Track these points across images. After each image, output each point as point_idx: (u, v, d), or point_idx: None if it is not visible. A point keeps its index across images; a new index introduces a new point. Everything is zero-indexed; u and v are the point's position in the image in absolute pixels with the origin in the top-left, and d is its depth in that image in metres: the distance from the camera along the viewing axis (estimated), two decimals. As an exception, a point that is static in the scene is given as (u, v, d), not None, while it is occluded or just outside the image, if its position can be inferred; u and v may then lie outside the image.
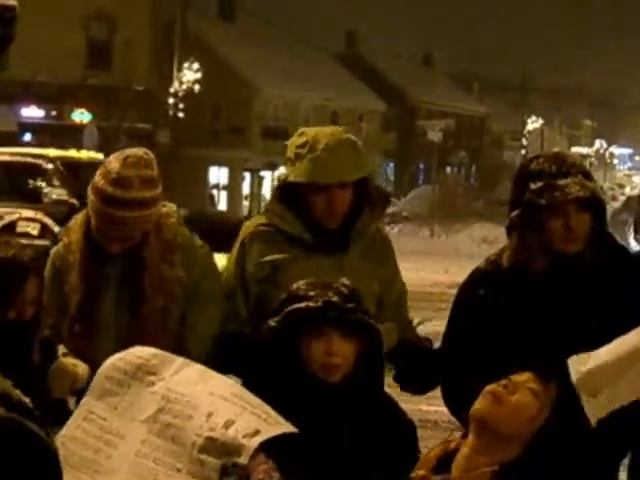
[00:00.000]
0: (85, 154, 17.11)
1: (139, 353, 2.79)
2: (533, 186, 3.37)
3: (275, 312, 3.05)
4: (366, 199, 3.91)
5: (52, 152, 15.25)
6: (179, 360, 2.76)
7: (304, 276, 3.31)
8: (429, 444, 3.08)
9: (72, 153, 16.24)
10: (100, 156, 16.97)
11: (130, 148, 3.75)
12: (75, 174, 14.42)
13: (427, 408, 4.11)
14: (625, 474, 3.63)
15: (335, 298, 2.95)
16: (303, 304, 2.96)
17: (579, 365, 3.04)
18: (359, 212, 3.87)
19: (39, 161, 14.36)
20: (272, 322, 3.02)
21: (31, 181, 14.09)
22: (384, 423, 2.96)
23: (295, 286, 3.07)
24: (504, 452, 2.77)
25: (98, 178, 3.57)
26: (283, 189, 3.90)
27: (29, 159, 14.22)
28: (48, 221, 11.86)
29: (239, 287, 3.84)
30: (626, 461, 3.64)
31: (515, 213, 3.46)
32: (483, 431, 2.79)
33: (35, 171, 14.39)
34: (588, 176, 3.43)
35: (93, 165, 16.30)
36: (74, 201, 13.42)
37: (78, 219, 3.76)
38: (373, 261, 3.90)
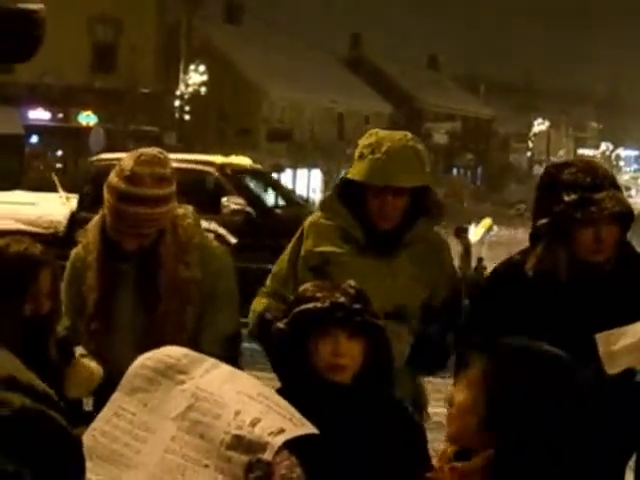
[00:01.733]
0: (247, 161, 16.34)
1: (170, 352, 2.83)
2: (567, 198, 3.36)
3: (284, 314, 3.09)
4: (424, 209, 3.93)
5: (218, 159, 14.27)
6: (209, 360, 2.80)
7: (351, 273, 3.35)
8: (434, 446, 3.07)
9: (236, 160, 15.38)
10: (259, 165, 16.37)
11: (140, 149, 3.78)
12: (241, 182, 13.84)
13: (433, 410, 4.09)
14: (632, 476, 3.64)
15: (342, 299, 2.98)
16: (311, 305, 2.99)
17: (608, 344, 3.25)
18: (415, 220, 3.91)
19: (208, 169, 13.62)
20: (281, 324, 3.05)
21: (207, 190, 13.37)
22: (393, 424, 2.98)
23: (303, 288, 3.10)
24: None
25: (112, 176, 3.62)
26: (343, 186, 3.96)
27: (199, 167, 13.41)
28: (222, 231, 11.34)
29: (291, 274, 3.94)
30: (631, 463, 3.65)
31: (543, 222, 3.44)
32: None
33: (206, 180, 13.61)
34: (619, 188, 3.44)
35: (257, 173, 15.30)
36: (250, 210, 12.94)
37: (95, 220, 3.80)
38: (422, 267, 3.92)
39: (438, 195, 4.18)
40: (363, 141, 3.95)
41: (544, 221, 3.43)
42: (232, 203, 12.86)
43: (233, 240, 11.61)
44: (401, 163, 3.82)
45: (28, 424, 1.22)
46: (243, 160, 15.62)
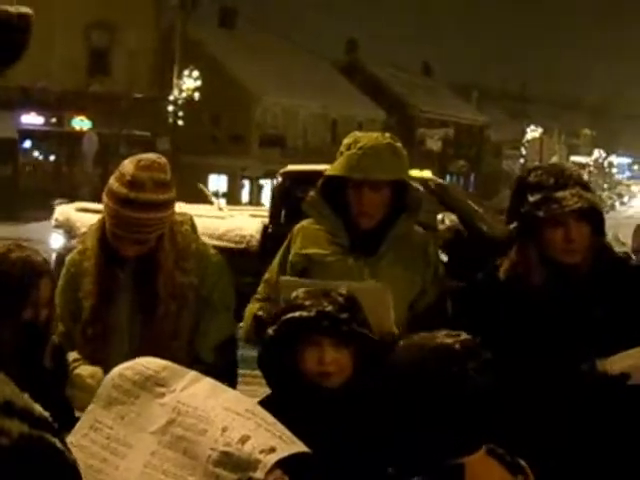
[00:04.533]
0: (429, 174, 15.47)
1: (148, 364, 2.79)
2: (531, 198, 3.38)
3: (274, 320, 3.09)
4: (404, 205, 3.97)
5: (415, 174, 13.29)
6: (190, 374, 2.76)
7: (333, 275, 3.37)
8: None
9: (419, 174, 14.33)
10: (429, 174, 15.35)
11: (130, 156, 3.78)
12: (444, 197, 13.07)
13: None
14: None
15: (329, 308, 2.98)
16: (297, 313, 3.00)
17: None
18: (396, 216, 3.94)
19: (414, 184, 13.00)
20: (270, 330, 3.05)
21: (427, 207, 12.66)
22: (381, 429, 2.98)
23: (294, 295, 3.11)
24: None
25: (113, 181, 3.61)
26: (325, 185, 4.00)
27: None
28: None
29: (278, 276, 3.94)
30: None
31: (513, 225, 3.47)
32: None
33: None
34: (586, 187, 3.44)
35: (441, 187, 13.83)
36: (461, 227, 12.22)
37: (93, 226, 3.80)
38: (408, 267, 3.95)
39: (419, 192, 4.22)
40: (344, 143, 4.01)
41: (514, 225, 3.47)
42: (447, 219, 12.25)
43: (445, 258, 11.06)
44: (375, 157, 3.87)
45: (27, 453, 1.21)
46: (427, 174, 14.69)
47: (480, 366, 2.49)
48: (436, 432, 2.45)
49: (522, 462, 2.63)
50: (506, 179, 62.90)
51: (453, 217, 12.35)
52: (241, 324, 3.96)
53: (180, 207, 13.19)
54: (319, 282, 3.48)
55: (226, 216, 13.70)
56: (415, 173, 13.36)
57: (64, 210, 13.86)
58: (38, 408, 1.29)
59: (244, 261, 10.52)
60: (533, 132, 76.83)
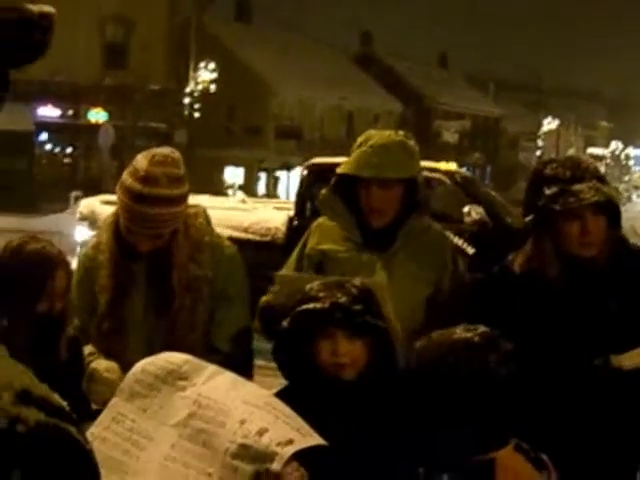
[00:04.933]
0: (454, 166, 14.97)
1: (171, 358, 2.81)
2: (548, 191, 3.37)
3: (290, 312, 3.10)
4: (415, 202, 3.96)
5: (442, 166, 13.27)
6: (211, 367, 2.78)
7: (346, 270, 3.36)
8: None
9: (445, 166, 13.99)
10: (455, 167, 14.96)
11: (146, 148, 3.78)
12: (470, 189, 12.92)
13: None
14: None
15: (343, 299, 2.99)
16: (311, 305, 3.00)
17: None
18: (409, 214, 3.94)
19: (441, 177, 12.58)
20: (285, 322, 3.06)
21: (441, 199, 12.49)
22: (397, 421, 2.98)
23: (309, 287, 3.11)
24: None
25: (126, 176, 3.61)
26: (338, 182, 4.01)
27: (430, 174, 11.93)
28: (458, 241, 10.44)
29: (295, 270, 3.98)
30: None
31: (529, 218, 3.46)
32: None
33: (439, 188, 12.60)
34: (602, 180, 3.42)
35: (467, 179, 13.66)
36: (487, 219, 12.19)
37: (107, 219, 3.81)
38: (423, 264, 3.95)
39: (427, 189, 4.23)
40: (357, 141, 4.02)
41: (530, 217, 3.45)
42: (474, 212, 12.21)
43: (471, 251, 11.06)
44: (386, 155, 3.86)
45: (44, 440, 1.22)
46: (452, 166, 14.45)
47: (501, 357, 2.48)
48: (462, 427, 2.44)
49: (545, 457, 2.63)
50: (522, 171, 62.78)
51: (479, 209, 12.28)
52: None
53: (204, 200, 13.04)
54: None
55: (251, 209, 13.62)
56: (441, 165, 13.33)
57: (89, 203, 13.82)
58: (56, 397, 1.29)
59: (270, 254, 10.53)
60: (550, 124, 76.68)
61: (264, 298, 3.79)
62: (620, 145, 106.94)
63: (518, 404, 2.51)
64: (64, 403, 1.29)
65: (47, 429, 1.22)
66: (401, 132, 4.06)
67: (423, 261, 3.95)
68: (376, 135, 3.97)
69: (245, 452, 2.51)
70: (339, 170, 3.97)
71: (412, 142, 4.00)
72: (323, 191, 4.09)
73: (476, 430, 2.43)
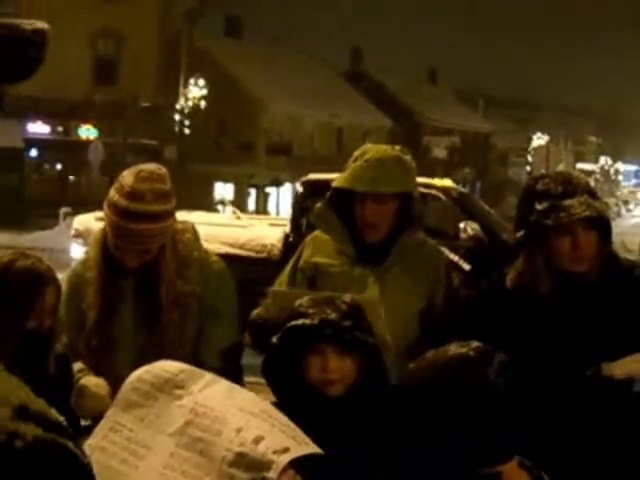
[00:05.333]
0: (450, 183, 14.71)
1: (167, 367, 2.81)
2: (539, 207, 3.37)
3: (280, 328, 3.09)
4: (409, 218, 3.95)
5: (437, 182, 13.29)
6: (208, 375, 2.78)
7: (339, 284, 3.36)
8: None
9: (440, 182, 14.02)
10: (450, 183, 14.69)
11: (137, 164, 3.78)
12: (466, 206, 13.05)
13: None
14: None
15: (333, 315, 2.98)
16: (300, 321, 3.00)
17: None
18: (404, 229, 3.93)
19: (436, 193, 12.52)
20: (274, 338, 3.06)
21: (437, 215, 12.41)
22: (387, 437, 2.97)
23: (299, 302, 3.10)
24: None
25: (112, 193, 3.61)
26: (333, 196, 4.00)
27: (426, 190, 11.72)
28: (455, 258, 10.53)
29: (288, 284, 3.97)
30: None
31: (520, 233, 3.47)
32: None
33: (436, 204, 12.53)
34: (594, 195, 3.43)
35: (463, 195, 13.72)
36: (483, 236, 12.25)
37: (95, 236, 3.81)
38: (416, 278, 3.94)
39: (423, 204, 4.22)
40: (353, 155, 4.01)
41: (521, 233, 3.46)
42: (470, 228, 12.29)
43: (467, 267, 11.04)
44: (381, 170, 3.85)
45: (42, 455, 1.22)
46: (447, 182, 14.43)
47: (498, 368, 2.48)
48: (463, 441, 2.43)
49: (546, 477, 2.63)
50: (512, 187, 62.92)
51: (475, 225, 12.34)
52: None
53: (200, 217, 12.81)
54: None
55: (247, 225, 13.66)
56: (436, 182, 13.37)
57: (84, 220, 13.81)
58: (53, 412, 1.30)
59: (265, 270, 10.62)
60: (539, 140, 76.91)
61: (255, 312, 3.78)
62: (609, 160, 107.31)
63: (518, 415, 2.51)
64: (61, 418, 1.29)
65: (45, 444, 1.22)
66: (397, 147, 4.06)
67: (417, 275, 3.94)
68: (372, 149, 3.97)
69: (242, 460, 2.51)
70: (334, 184, 3.97)
71: (408, 157, 4.00)
72: (318, 204, 4.09)
73: (478, 442, 2.43)
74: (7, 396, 1.24)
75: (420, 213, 4.02)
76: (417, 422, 2.49)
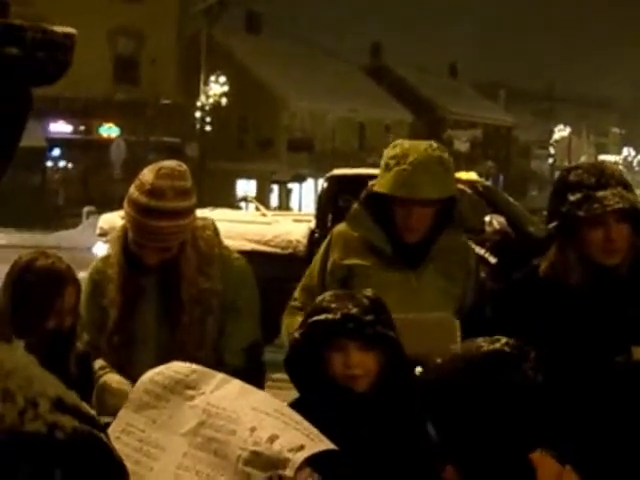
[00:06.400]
0: (475, 176, 14.58)
1: (178, 368, 2.81)
2: (572, 198, 3.35)
3: (302, 323, 3.09)
4: (450, 219, 3.92)
5: (462, 175, 13.02)
6: (219, 376, 2.78)
7: (378, 286, 3.33)
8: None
9: (466, 176, 13.81)
10: (476, 176, 14.66)
11: (159, 162, 3.78)
12: (491, 199, 13.02)
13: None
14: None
15: (354, 310, 2.97)
16: (323, 316, 2.99)
17: None
18: (441, 231, 3.90)
19: (462, 187, 12.02)
20: (296, 333, 3.05)
21: (464, 209, 11.78)
22: (408, 435, 2.95)
23: (320, 298, 3.10)
24: None
25: (133, 190, 3.61)
26: (369, 198, 3.96)
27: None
28: (481, 251, 10.47)
29: (320, 286, 3.91)
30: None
31: (553, 224, 3.44)
32: None
33: (462, 198, 12.46)
34: (627, 187, 3.40)
35: (489, 189, 13.78)
36: (509, 229, 12.16)
37: (116, 233, 3.81)
38: (451, 279, 3.92)
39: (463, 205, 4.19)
40: (388, 152, 3.93)
41: (554, 224, 3.44)
42: (495, 221, 12.18)
43: (493, 260, 11.07)
44: (426, 174, 3.79)
45: (80, 446, 1.23)
46: (473, 176, 14.34)
47: (534, 364, 2.47)
48: (502, 439, 2.43)
49: (568, 467, 2.62)
50: (535, 180, 62.77)
51: (501, 219, 12.29)
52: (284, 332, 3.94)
53: (224, 214, 12.73)
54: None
55: (272, 221, 13.62)
56: (462, 175, 13.29)
57: (109, 218, 13.79)
58: (85, 406, 1.31)
59: (291, 266, 10.63)
60: (561, 132, 76.60)
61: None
62: (632, 151, 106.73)
63: (551, 406, 2.51)
64: (93, 412, 1.30)
65: (83, 436, 1.23)
66: (434, 144, 3.97)
67: (452, 275, 3.92)
68: (413, 151, 3.86)
69: (257, 459, 2.51)
70: (376, 188, 3.89)
71: (447, 154, 3.93)
72: (354, 206, 4.04)
73: (514, 435, 2.43)
74: (45, 389, 1.26)
75: (460, 213, 3.98)
76: (453, 418, 2.48)
